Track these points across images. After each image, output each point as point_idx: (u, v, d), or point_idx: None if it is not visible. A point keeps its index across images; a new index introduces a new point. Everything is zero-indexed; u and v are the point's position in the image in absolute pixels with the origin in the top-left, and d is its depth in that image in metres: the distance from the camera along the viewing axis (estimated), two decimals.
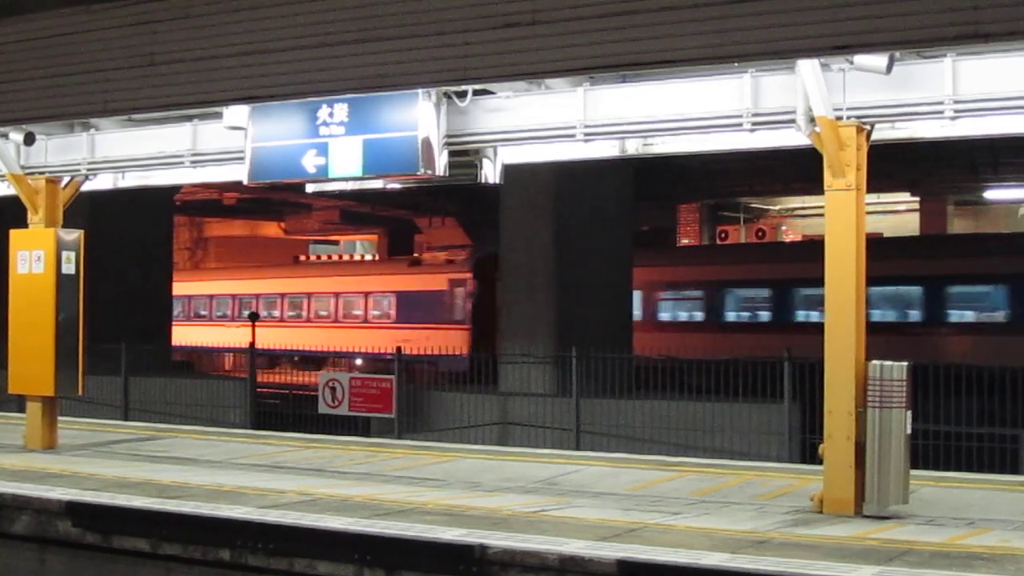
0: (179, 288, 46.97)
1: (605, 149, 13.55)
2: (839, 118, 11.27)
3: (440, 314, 35.03)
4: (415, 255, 42.54)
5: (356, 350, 31.39)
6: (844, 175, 11.29)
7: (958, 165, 33.48)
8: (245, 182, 14.37)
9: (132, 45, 14.36)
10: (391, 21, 12.61)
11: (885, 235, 34.74)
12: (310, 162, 13.61)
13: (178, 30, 14.05)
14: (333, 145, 13.44)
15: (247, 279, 44.15)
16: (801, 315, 28.77)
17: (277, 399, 26.27)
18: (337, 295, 39.33)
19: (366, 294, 38.29)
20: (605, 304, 23.10)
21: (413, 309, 36.19)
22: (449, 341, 28.68)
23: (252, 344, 26.22)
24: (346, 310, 38.90)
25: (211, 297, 44.24)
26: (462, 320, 34.43)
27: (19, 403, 18.94)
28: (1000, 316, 26.66)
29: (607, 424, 19.82)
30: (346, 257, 50.21)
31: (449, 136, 13.20)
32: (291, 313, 40.92)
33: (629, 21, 11.36)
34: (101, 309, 23.61)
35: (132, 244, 27.79)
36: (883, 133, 11.70)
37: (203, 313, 44.45)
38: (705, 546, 9.63)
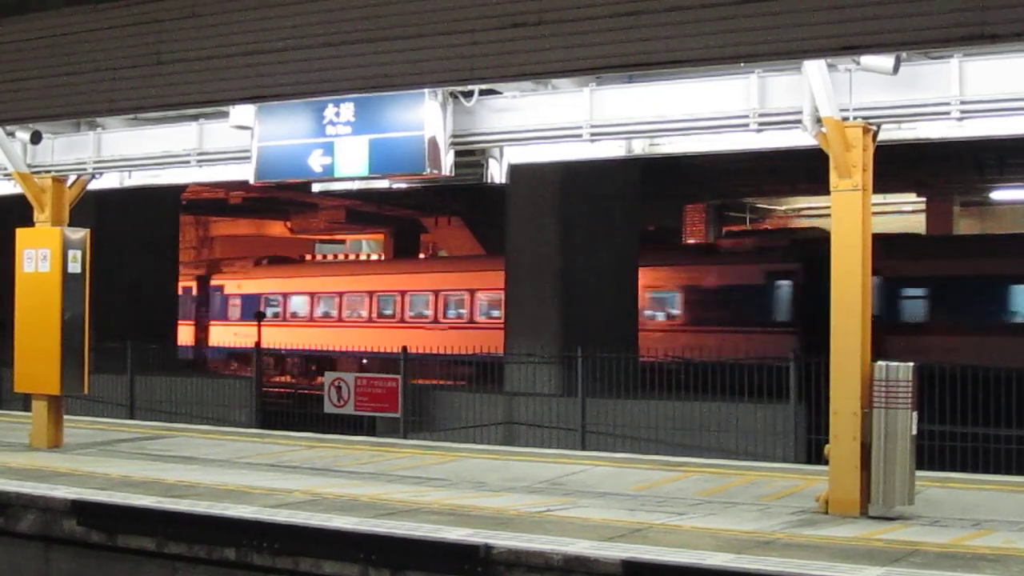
0: (265, 285, 41.13)
1: (611, 149, 13.53)
2: (845, 118, 11.26)
3: (750, 314, 29.23)
4: (708, 242, 36.11)
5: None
6: (850, 175, 11.28)
7: (964, 166, 33.48)
8: (251, 181, 14.39)
9: (138, 44, 14.38)
10: (398, 21, 12.61)
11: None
12: (316, 161, 13.62)
13: (184, 29, 14.07)
14: (339, 145, 13.44)
15: (373, 275, 38.86)
16: None
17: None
18: None
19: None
20: (611, 304, 23.08)
21: (706, 308, 30.43)
22: (764, 346, 25.31)
23: (258, 344, 26.24)
24: None
25: (312, 295, 39.43)
26: (786, 321, 28.90)
27: (25, 402, 18.97)
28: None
29: (612, 424, 19.81)
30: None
31: (455, 136, 13.20)
32: (454, 312, 35.22)
33: (636, 21, 11.36)
34: (107, 308, 23.74)
35: (138, 243, 27.80)
36: (889, 134, 11.69)
37: (302, 314, 39.71)
38: (710, 546, 9.63)
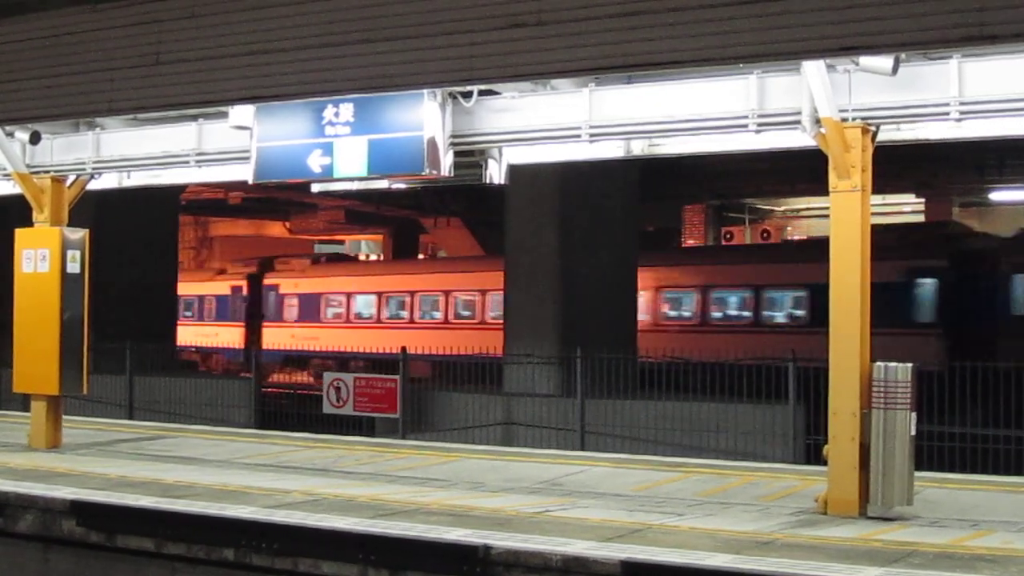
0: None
1: (610, 149, 13.53)
2: (844, 119, 11.26)
3: (887, 315, 25.01)
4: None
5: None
6: (849, 176, 11.29)
7: (964, 167, 33.47)
8: (250, 181, 14.40)
9: (137, 44, 14.38)
10: (397, 21, 12.61)
11: None
12: (315, 162, 13.62)
13: (183, 29, 14.07)
14: (338, 145, 13.45)
15: None
16: None
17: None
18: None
19: (757, 288, 29.56)
20: (610, 305, 23.08)
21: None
22: (902, 349, 23.32)
23: (257, 344, 26.22)
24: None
25: (380, 295, 36.75)
26: (929, 322, 26.37)
27: (24, 402, 18.95)
28: None
29: (611, 425, 19.80)
30: None
31: (454, 136, 13.21)
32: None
33: (635, 22, 11.36)
34: (106, 308, 23.70)
35: (137, 243, 27.78)
36: (889, 134, 11.69)
37: (367, 314, 37.08)
38: (709, 547, 9.63)
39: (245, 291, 41.25)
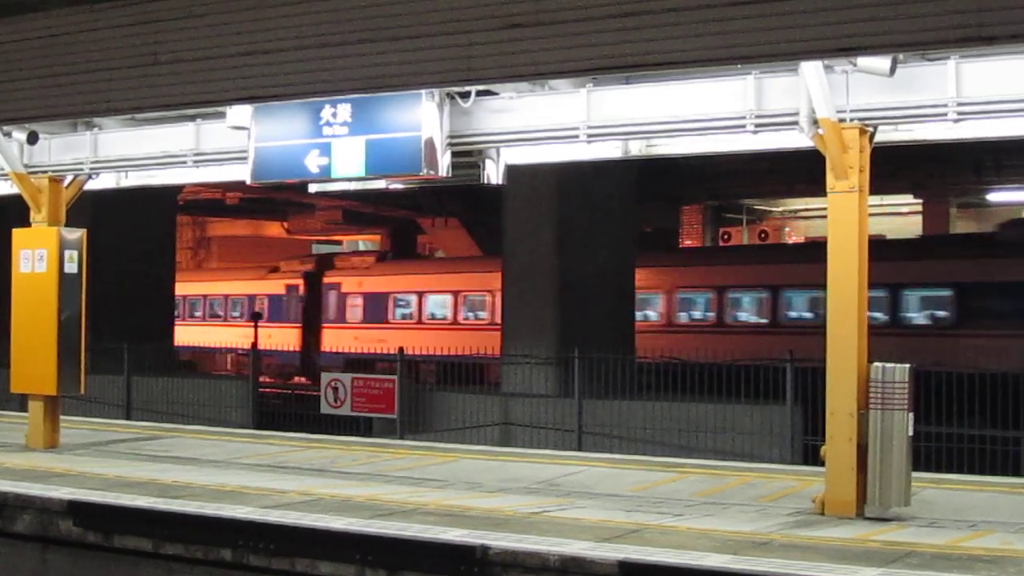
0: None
1: (608, 150, 13.54)
2: (842, 120, 11.26)
3: None
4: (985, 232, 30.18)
5: None
6: (847, 177, 11.29)
7: (962, 167, 33.49)
8: (248, 182, 14.39)
9: (135, 44, 14.38)
10: (395, 21, 12.61)
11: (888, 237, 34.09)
12: (313, 162, 13.62)
13: (181, 29, 14.07)
14: (336, 145, 13.44)
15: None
16: None
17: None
18: None
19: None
20: (608, 305, 23.07)
21: (986, 308, 25.15)
22: None
23: (255, 345, 26.21)
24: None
25: (456, 294, 34.84)
26: None
27: (21, 402, 18.95)
28: None
29: (609, 425, 19.80)
30: None
31: (452, 136, 13.20)
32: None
33: (633, 22, 11.36)
34: (104, 308, 23.71)
35: (135, 243, 27.78)
36: (886, 135, 11.70)
37: (440, 315, 35.20)
38: (707, 547, 9.63)
39: (302, 290, 39.46)
